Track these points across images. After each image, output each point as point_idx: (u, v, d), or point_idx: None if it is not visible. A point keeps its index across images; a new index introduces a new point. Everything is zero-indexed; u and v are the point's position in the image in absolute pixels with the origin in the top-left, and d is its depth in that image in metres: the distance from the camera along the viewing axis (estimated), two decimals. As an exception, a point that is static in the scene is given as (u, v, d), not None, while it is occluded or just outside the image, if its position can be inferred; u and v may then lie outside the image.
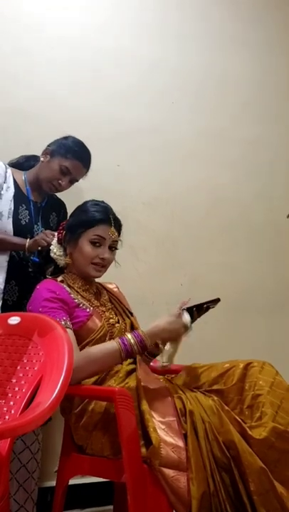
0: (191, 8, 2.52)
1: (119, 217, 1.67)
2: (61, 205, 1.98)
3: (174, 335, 1.47)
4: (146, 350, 1.49)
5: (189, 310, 1.57)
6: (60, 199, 1.97)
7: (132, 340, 1.42)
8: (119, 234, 1.65)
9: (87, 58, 2.25)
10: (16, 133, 2.05)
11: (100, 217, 1.60)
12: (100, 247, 1.59)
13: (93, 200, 1.68)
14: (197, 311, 1.57)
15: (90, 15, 2.28)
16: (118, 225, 1.65)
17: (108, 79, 2.28)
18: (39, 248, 1.69)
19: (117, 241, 1.64)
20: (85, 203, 1.69)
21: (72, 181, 1.86)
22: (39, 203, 1.88)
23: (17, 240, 1.73)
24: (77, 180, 1.87)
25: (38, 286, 1.56)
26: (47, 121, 2.09)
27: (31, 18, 2.16)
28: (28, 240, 1.71)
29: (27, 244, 1.70)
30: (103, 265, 1.61)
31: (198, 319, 1.58)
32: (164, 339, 1.48)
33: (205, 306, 1.57)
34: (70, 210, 1.92)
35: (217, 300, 1.58)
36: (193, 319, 1.59)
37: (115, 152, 2.23)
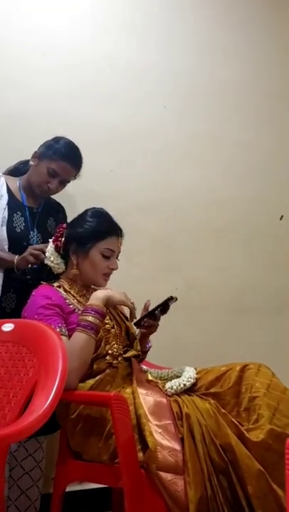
0: (180, 12, 2.51)
1: None
2: (59, 209, 1.92)
3: (117, 294, 1.56)
4: (105, 316, 1.51)
5: (151, 313, 1.64)
6: (58, 202, 1.92)
7: (90, 318, 1.45)
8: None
9: (78, 63, 2.23)
10: (8, 139, 2.03)
11: (110, 229, 1.62)
12: (110, 259, 1.61)
13: (94, 209, 1.67)
14: (161, 311, 1.65)
15: (80, 20, 2.27)
16: (123, 235, 1.67)
17: (99, 84, 2.27)
18: (29, 266, 1.65)
19: (120, 251, 1.67)
20: (86, 212, 1.67)
21: (64, 182, 1.80)
22: (35, 209, 1.83)
23: (6, 255, 1.69)
24: (68, 181, 1.81)
25: (33, 293, 1.55)
26: (39, 127, 2.06)
27: (22, 24, 2.15)
28: (16, 256, 1.67)
29: (15, 261, 1.66)
30: (110, 274, 1.64)
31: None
32: (110, 298, 1.52)
33: (158, 309, 1.63)
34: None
35: (172, 298, 1.63)
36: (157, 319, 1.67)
37: (108, 157, 2.22)
